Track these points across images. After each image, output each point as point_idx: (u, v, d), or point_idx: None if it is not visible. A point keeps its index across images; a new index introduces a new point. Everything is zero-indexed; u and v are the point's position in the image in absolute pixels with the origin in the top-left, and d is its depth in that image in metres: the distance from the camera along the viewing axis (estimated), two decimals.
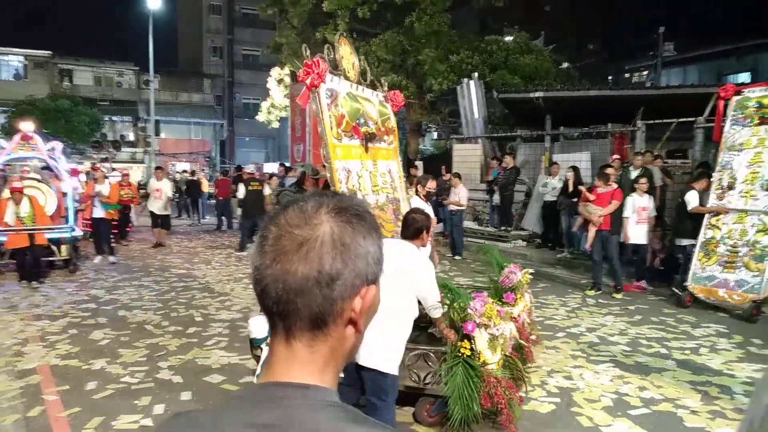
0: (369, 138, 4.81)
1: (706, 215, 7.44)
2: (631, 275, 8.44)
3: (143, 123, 33.42)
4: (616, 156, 10.41)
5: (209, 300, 7.50)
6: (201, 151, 35.74)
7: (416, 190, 6.09)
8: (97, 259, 10.26)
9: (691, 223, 7.55)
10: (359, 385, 3.27)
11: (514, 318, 4.49)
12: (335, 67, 4.53)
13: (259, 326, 3.76)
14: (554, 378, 4.80)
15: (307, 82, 4.08)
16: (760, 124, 7.28)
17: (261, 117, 22.24)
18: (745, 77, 21.53)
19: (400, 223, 5.03)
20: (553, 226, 11.08)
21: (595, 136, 12.66)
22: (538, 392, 4.52)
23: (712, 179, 7.58)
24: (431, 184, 6.16)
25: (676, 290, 7.59)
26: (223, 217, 15.67)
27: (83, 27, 70.04)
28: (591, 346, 5.67)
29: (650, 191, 8.97)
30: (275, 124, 22.69)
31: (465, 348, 3.71)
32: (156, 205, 12.18)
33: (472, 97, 14.59)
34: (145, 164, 28.23)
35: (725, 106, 7.64)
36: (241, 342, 5.69)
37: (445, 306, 3.88)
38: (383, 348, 3.16)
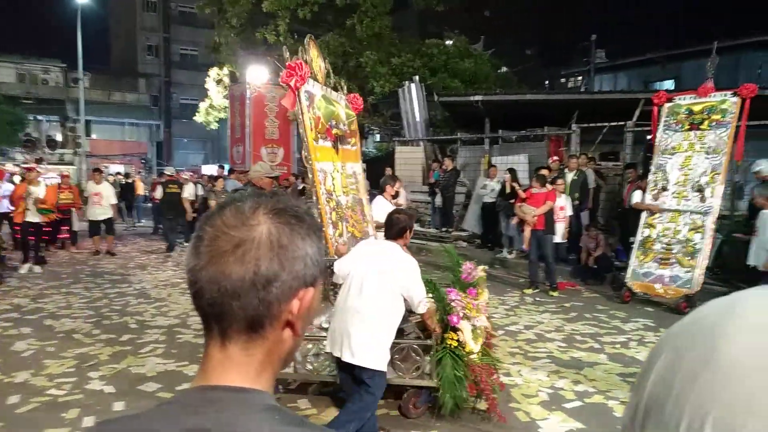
0: (339, 140, 4.91)
1: (643, 215, 7.80)
2: (567, 274, 8.74)
3: (72, 123, 31.90)
4: (555, 157, 10.76)
5: (145, 306, 7.23)
6: (136, 152, 34.44)
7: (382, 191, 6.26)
8: (24, 268, 9.34)
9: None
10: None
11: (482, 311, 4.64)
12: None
13: None
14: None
15: (291, 83, 4.14)
16: (689, 129, 7.67)
17: (199, 118, 21.66)
18: (669, 84, 22.72)
19: (366, 224, 5.33)
20: (492, 226, 11.32)
21: (532, 139, 13.05)
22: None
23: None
24: (398, 185, 6.35)
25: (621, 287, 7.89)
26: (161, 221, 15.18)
27: (5, 20, 66.27)
28: (528, 343, 5.83)
29: (585, 193, 9.33)
30: (214, 126, 22.16)
31: (452, 339, 3.90)
32: (95, 212, 11.19)
33: (413, 99, 14.74)
34: (75, 166, 26.92)
35: (659, 112, 8.02)
36: (178, 348, 5.51)
37: (432, 301, 3.98)
38: (374, 347, 3.32)
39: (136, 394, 4.45)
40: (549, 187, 8.26)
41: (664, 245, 7.55)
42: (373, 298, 3.38)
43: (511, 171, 10.47)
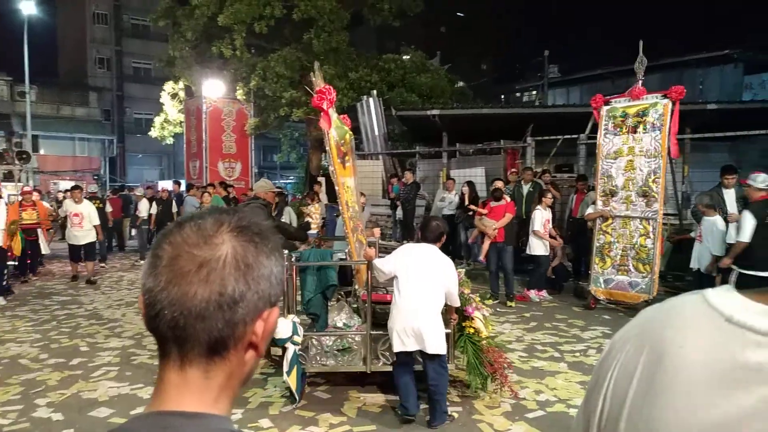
0: (344, 157, 5.35)
1: (597, 222, 7.89)
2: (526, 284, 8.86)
3: (18, 138, 30.68)
4: (514, 169, 10.95)
5: (97, 327, 6.95)
6: (88, 168, 33.36)
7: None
8: None
9: None
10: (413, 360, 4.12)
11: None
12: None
13: (284, 327, 4.32)
14: (456, 388, 4.90)
15: (324, 106, 4.64)
16: (628, 132, 7.67)
17: (154, 133, 21.15)
18: None
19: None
20: (451, 239, 11.40)
21: (489, 152, 13.26)
22: None
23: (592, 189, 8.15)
24: (363, 200, 6.74)
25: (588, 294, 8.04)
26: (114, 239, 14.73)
27: None
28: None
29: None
30: (170, 140, 21.67)
31: (470, 327, 4.56)
32: (75, 234, 9.94)
33: (371, 114, 14.79)
34: (22, 183, 25.89)
35: (599, 115, 8.07)
36: (133, 370, 5.31)
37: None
38: (441, 336, 3.98)
39: (87, 420, 4.26)
40: (507, 199, 8.38)
41: (620, 251, 7.69)
42: (434, 295, 4.02)
43: (470, 184, 10.60)
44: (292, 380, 4.37)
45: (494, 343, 4.75)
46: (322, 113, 4.74)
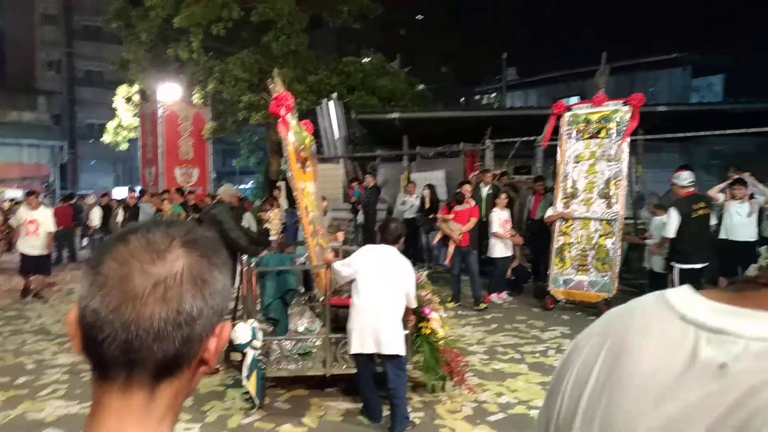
0: (304, 162, 5.49)
1: (557, 223, 8.08)
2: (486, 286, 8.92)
3: None
4: (476, 172, 11.03)
5: (45, 344, 6.66)
6: (36, 175, 32.16)
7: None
8: None
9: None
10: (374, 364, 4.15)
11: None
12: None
13: (243, 332, 4.34)
14: (417, 393, 4.87)
15: (281, 112, 4.75)
16: (590, 138, 8.03)
17: (107, 138, 20.54)
18: (575, 100, 24.06)
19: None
20: (412, 242, 11.42)
21: (449, 154, 13.33)
22: None
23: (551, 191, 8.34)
24: (325, 204, 7.40)
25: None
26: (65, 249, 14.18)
27: None
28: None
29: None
30: (124, 146, 21.08)
31: (426, 328, 4.64)
32: (30, 243, 9.15)
33: (331, 117, 14.71)
34: None
35: (558, 121, 8.36)
36: (83, 388, 5.10)
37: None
38: (398, 336, 4.00)
39: None
40: (472, 202, 8.39)
41: (580, 252, 7.89)
42: (394, 296, 4.06)
43: (431, 187, 10.63)
44: (251, 385, 4.39)
45: (451, 344, 4.87)
46: (279, 119, 4.82)
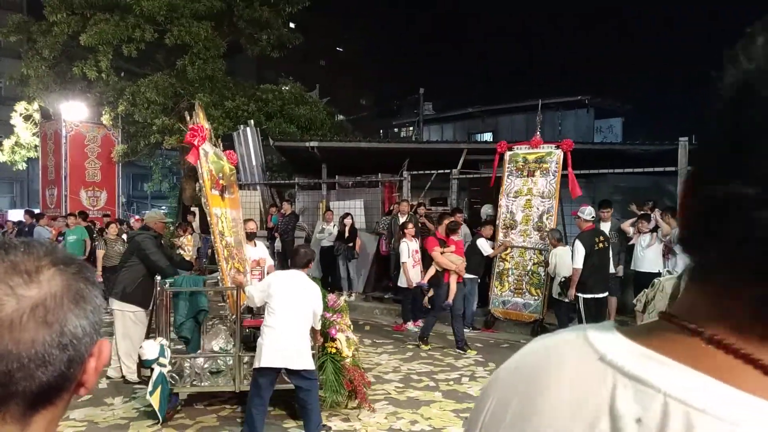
0: (223, 189, 5.82)
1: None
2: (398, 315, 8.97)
3: None
4: (397, 203, 11.13)
5: None
6: None
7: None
8: None
9: (475, 261, 8.41)
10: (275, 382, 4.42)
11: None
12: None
13: (151, 349, 4.61)
14: (332, 421, 4.78)
15: (195, 142, 5.00)
16: (528, 176, 8.91)
17: (3, 157, 19.08)
18: (488, 136, 25.16)
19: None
20: (330, 270, 11.34)
21: (367, 184, 13.44)
22: None
23: (494, 225, 8.98)
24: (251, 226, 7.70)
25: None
26: None
27: None
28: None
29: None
30: (22, 166, 19.66)
31: (332, 347, 5.01)
32: None
33: (249, 143, 14.48)
34: None
35: (501, 159, 9.18)
36: None
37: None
38: (306, 351, 4.39)
39: None
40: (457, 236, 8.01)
41: (516, 277, 8.71)
42: (303, 317, 4.41)
43: (349, 215, 10.65)
44: (155, 400, 4.58)
45: (356, 363, 5.24)
46: (192, 147, 5.09)
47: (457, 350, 7.40)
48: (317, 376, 4.60)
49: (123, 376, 5.93)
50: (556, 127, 22.80)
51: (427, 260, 8.04)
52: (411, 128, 32.38)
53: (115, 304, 5.92)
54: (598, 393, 0.47)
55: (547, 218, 8.59)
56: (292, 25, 20.40)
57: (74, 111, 16.77)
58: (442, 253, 7.60)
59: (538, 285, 8.52)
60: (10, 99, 20.96)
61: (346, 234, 10.52)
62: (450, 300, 7.56)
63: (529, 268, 8.69)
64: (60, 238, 11.25)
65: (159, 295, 5.31)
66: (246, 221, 7.56)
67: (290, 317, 4.33)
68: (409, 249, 8.42)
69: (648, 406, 0.44)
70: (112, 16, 14.83)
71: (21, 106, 18.25)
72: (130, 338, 5.91)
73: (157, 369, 4.61)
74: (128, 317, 5.93)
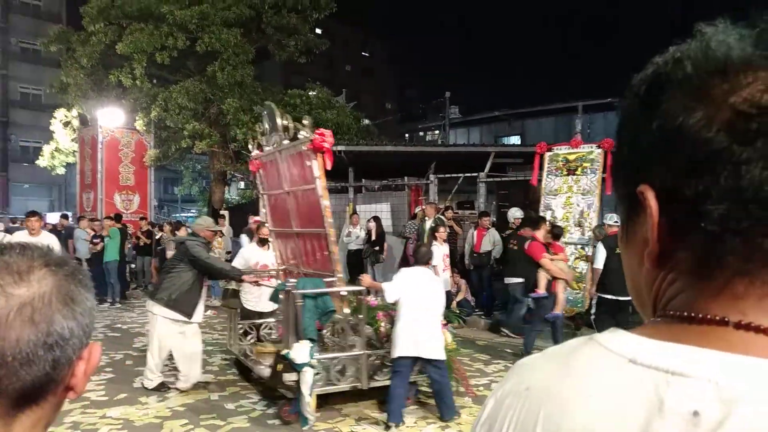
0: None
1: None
2: None
3: None
4: (422, 206, 11.21)
5: None
6: None
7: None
8: None
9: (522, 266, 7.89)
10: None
11: None
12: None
13: (302, 352, 4.74)
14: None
15: (326, 146, 5.27)
16: (567, 174, 9.31)
17: (43, 162, 19.69)
18: (515, 139, 25.02)
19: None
20: (358, 272, 11.41)
21: (394, 188, 13.52)
22: None
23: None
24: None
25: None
26: None
27: None
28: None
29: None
30: (61, 170, 20.25)
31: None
32: None
33: None
34: None
35: (541, 159, 9.57)
36: None
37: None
38: (438, 342, 4.83)
39: None
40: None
41: None
42: (434, 309, 4.86)
43: (376, 219, 10.72)
44: (313, 402, 4.75)
45: (455, 354, 5.69)
46: (324, 152, 5.33)
47: None
48: (446, 365, 4.97)
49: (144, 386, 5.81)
50: (585, 130, 22.54)
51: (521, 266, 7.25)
52: (437, 132, 32.33)
53: (156, 309, 5.66)
54: (638, 397, 0.45)
55: (588, 214, 8.94)
56: (318, 31, 20.61)
57: (110, 117, 17.25)
58: (552, 261, 6.77)
59: (579, 279, 8.74)
60: (50, 106, 21.60)
61: (374, 237, 10.59)
62: (558, 310, 6.77)
63: (570, 262, 8.77)
64: (96, 240, 11.62)
65: (291, 298, 5.17)
66: (259, 226, 7.51)
67: (422, 310, 4.76)
68: (440, 252, 8.42)
69: (702, 398, 0.43)
70: (146, 25, 15.22)
71: (60, 113, 18.83)
72: (181, 350, 5.70)
73: (309, 371, 4.73)
74: (170, 325, 5.66)
